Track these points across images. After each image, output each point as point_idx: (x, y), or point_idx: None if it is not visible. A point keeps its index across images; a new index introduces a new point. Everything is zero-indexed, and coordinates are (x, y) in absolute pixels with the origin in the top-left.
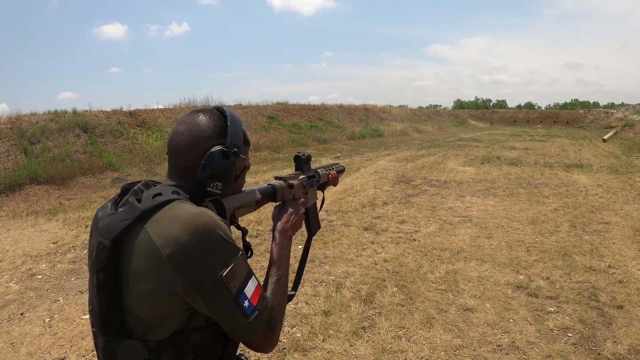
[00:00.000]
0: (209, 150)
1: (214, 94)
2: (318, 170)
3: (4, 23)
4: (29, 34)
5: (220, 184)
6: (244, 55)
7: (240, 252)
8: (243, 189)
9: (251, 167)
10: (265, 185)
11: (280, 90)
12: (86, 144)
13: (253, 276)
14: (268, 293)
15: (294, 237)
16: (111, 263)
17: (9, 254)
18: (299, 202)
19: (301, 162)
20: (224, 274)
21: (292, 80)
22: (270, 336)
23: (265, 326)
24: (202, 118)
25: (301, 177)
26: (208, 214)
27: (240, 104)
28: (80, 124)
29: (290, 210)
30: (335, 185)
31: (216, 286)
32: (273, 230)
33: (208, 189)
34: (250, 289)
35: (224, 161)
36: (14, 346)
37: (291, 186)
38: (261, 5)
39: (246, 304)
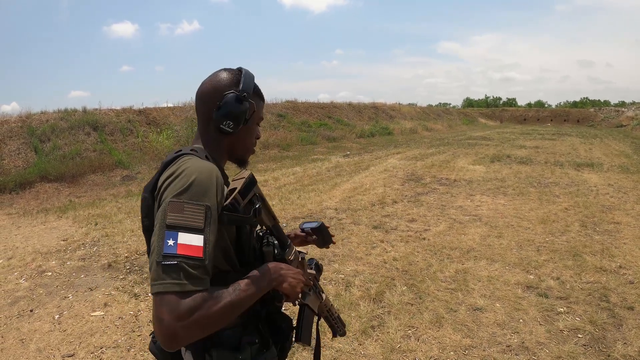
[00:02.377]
0: (224, 95)
1: None
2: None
3: (15, 23)
4: (40, 33)
5: (232, 122)
6: (255, 53)
7: (205, 207)
8: None
9: (261, 165)
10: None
11: (290, 87)
12: (96, 142)
13: (204, 236)
14: (218, 291)
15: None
16: (152, 210)
17: (19, 251)
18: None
19: None
20: (172, 199)
21: (302, 77)
22: (172, 314)
23: (175, 294)
24: (222, 72)
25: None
26: (205, 163)
27: None
28: (90, 123)
29: (293, 268)
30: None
31: (162, 208)
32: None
33: (221, 126)
34: (187, 238)
35: (236, 104)
36: (23, 342)
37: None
38: (272, 3)
39: (170, 242)
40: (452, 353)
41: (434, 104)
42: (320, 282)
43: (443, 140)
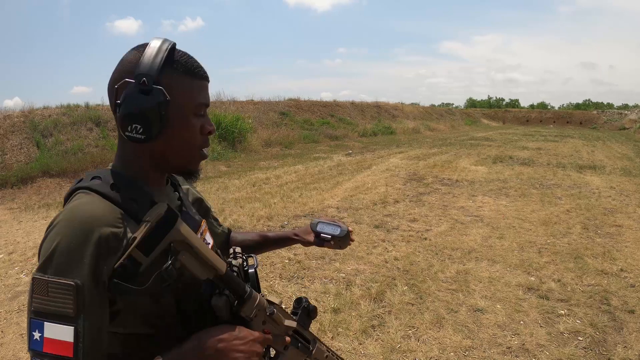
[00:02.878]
0: (118, 87)
1: (226, 89)
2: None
3: (18, 18)
4: (43, 28)
5: (139, 126)
6: (258, 50)
7: (73, 287)
8: None
9: (263, 162)
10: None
11: (292, 85)
12: (98, 137)
13: (75, 328)
14: None
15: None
16: None
17: (20, 246)
18: (265, 337)
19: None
20: (36, 275)
21: (305, 75)
22: None
23: None
24: (129, 52)
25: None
26: (85, 212)
27: (252, 100)
28: (93, 118)
29: (244, 333)
30: None
31: (30, 283)
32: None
33: (127, 133)
34: (55, 332)
35: (139, 97)
36: (23, 337)
37: (272, 311)
38: (276, 0)
39: (37, 335)
40: (452, 354)
41: (436, 104)
42: (321, 281)
43: (445, 140)
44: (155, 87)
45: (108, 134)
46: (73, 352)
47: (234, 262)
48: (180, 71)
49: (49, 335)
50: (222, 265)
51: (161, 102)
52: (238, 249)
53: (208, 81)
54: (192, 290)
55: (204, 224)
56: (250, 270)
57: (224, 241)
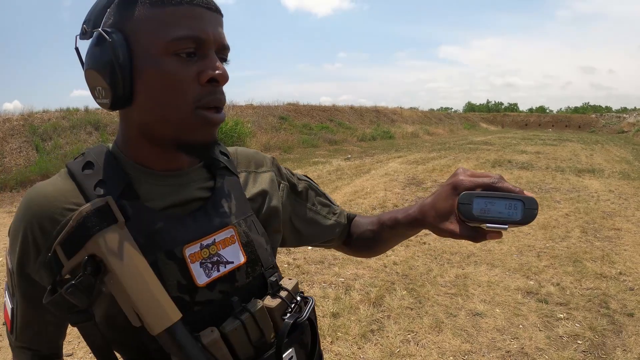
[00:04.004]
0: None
1: (226, 93)
2: None
3: (18, 21)
4: (43, 32)
5: (100, 87)
6: (258, 54)
7: (9, 269)
8: None
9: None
10: None
11: (292, 90)
12: (98, 141)
13: (12, 305)
14: None
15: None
16: None
17: None
18: None
19: None
20: (8, 261)
21: (304, 80)
22: None
23: None
24: None
25: None
26: (35, 192)
27: (251, 104)
28: (92, 122)
29: None
30: None
31: None
32: None
33: (97, 100)
34: (7, 302)
35: (89, 50)
36: None
37: None
38: (276, 5)
39: (9, 307)
40: (451, 358)
41: (435, 108)
42: (320, 286)
43: (444, 144)
44: (97, 30)
45: (108, 138)
46: (10, 326)
47: (255, 305)
48: (143, 3)
49: (4, 303)
50: (159, 318)
51: (116, 48)
52: (289, 284)
53: (203, 6)
54: None
55: (223, 232)
56: (286, 320)
57: (342, 232)
